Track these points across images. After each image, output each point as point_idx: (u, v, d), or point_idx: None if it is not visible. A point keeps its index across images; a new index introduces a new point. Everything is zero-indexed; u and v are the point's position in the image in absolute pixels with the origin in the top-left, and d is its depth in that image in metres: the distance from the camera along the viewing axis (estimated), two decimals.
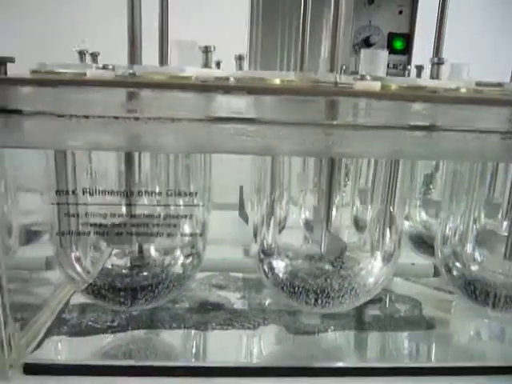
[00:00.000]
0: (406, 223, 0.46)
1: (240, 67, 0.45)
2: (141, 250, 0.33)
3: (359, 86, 0.27)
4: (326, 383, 0.32)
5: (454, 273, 0.36)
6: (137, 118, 0.27)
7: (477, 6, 0.95)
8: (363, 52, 0.38)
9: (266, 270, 0.34)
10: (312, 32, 0.54)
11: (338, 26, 0.34)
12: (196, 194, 0.30)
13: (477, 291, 0.35)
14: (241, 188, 0.58)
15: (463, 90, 0.31)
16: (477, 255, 0.36)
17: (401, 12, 0.61)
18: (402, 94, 0.28)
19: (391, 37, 0.61)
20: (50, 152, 0.31)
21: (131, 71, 0.28)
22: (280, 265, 0.34)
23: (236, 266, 0.43)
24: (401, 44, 0.61)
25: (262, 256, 0.34)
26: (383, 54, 0.37)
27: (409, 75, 0.57)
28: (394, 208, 0.34)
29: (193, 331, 0.36)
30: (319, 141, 0.29)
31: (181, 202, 0.31)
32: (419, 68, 0.44)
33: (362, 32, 0.61)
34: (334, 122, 0.29)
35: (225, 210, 0.54)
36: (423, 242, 0.45)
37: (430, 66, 0.51)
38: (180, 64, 0.35)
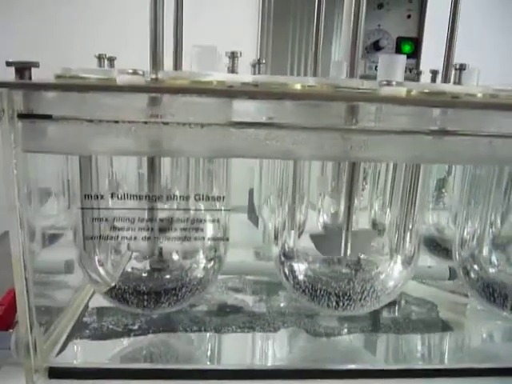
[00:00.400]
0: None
1: (254, 72, 0.45)
2: (162, 254, 0.33)
3: (385, 91, 0.28)
4: None
5: (472, 275, 0.36)
6: (166, 123, 0.27)
7: (477, 7, 0.96)
8: (381, 57, 0.38)
9: (287, 273, 0.34)
10: (326, 35, 0.54)
11: (358, 30, 0.34)
12: (223, 198, 0.30)
13: (495, 294, 0.35)
14: (251, 191, 0.58)
15: (483, 95, 0.31)
16: (494, 258, 0.37)
17: (409, 16, 0.61)
18: (430, 100, 0.28)
19: (400, 41, 0.62)
20: (75, 157, 0.31)
21: (158, 76, 0.28)
22: (301, 268, 0.34)
23: (254, 269, 0.43)
24: (409, 48, 0.62)
25: (282, 259, 0.34)
26: (401, 59, 0.37)
27: (415, 79, 0.57)
28: (415, 211, 0.34)
29: (212, 334, 0.36)
30: (340, 146, 0.30)
31: (203, 206, 0.31)
32: (434, 73, 0.44)
33: (371, 36, 0.61)
34: (360, 127, 0.29)
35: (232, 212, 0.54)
36: (437, 245, 0.45)
37: (440, 71, 0.51)
38: (200, 69, 0.35)
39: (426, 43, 0.63)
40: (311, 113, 0.29)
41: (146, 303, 0.32)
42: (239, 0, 0.68)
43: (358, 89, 0.30)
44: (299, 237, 0.36)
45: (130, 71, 0.26)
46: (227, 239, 0.32)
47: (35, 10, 1.01)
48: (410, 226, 0.34)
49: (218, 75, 0.28)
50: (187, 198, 0.30)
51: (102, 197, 0.30)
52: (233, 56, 0.30)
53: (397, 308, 0.41)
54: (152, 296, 0.32)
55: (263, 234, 0.51)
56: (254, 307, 0.40)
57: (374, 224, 0.37)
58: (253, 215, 0.57)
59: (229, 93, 0.27)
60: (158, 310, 0.33)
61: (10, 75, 0.27)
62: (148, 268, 0.33)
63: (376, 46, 0.61)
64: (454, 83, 0.32)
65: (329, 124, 0.29)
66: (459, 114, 0.29)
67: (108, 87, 0.26)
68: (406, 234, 0.34)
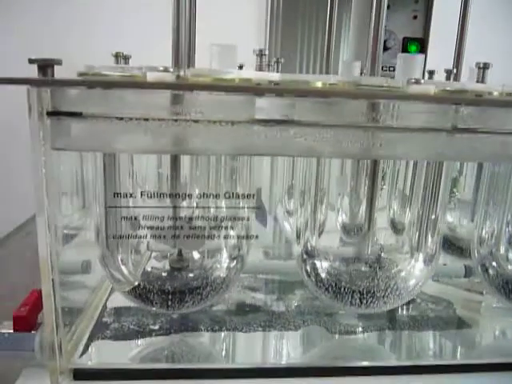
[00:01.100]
0: None
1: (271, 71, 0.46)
2: (182, 254, 0.33)
3: (414, 89, 0.28)
4: (366, 381, 0.32)
5: (491, 272, 0.37)
6: (196, 121, 0.27)
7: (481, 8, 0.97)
8: (399, 56, 0.38)
9: (309, 271, 0.34)
10: (338, 34, 0.54)
11: (379, 28, 0.34)
12: (254, 195, 0.30)
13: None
14: (258, 190, 0.58)
15: (506, 94, 0.31)
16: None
17: (415, 17, 0.62)
18: (459, 98, 0.28)
19: (406, 41, 0.62)
20: (100, 155, 0.30)
21: (181, 74, 0.28)
22: (324, 265, 0.34)
23: (272, 268, 0.43)
24: (415, 48, 0.62)
25: (305, 257, 0.34)
26: (420, 58, 0.37)
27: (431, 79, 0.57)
28: (437, 209, 0.34)
29: (233, 333, 0.36)
30: (363, 143, 0.30)
31: (230, 204, 0.31)
32: (449, 72, 0.45)
33: None
34: (382, 125, 0.29)
35: None
36: (451, 244, 0.46)
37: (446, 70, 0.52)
38: (220, 66, 0.35)
39: (432, 44, 0.64)
40: (333, 111, 0.29)
41: (169, 302, 0.32)
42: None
43: (382, 86, 0.31)
44: (320, 236, 0.36)
45: (161, 68, 0.26)
46: (256, 237, 0.32)
47: (35, 9, 1.00)
48: (433, 224, 0.35)
49: (242, 73, 0.28)
50: (217, 196, 0.30)
51: (130, 195, 0.30)
52: (260, 54, 0.30)
53: (414, 306, 0.41)
54: (175, 295, 0.32)
55: (274, 234, 0.51)
56: (272, 306, 0.39)
57: (393, 223, 0.38)
58: (261, 215, 0.57)
59: (256, 90, 0.27)
60: (180, 309, 0.33)
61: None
62: (169, 267, 0.33)
63: (383, 47, 0.61)
64: (477, 82, 0.32)
65: (351, 122, 0.29)
66: (481, 112, 0.30)
67: (138, 84, 0.26)
68: (428, 231, 0.35)
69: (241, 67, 0.51)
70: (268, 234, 0.52)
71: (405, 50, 0.62)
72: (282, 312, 0.39)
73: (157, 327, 0.35)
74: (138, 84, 0.26)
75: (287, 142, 0.29)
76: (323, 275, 0.34)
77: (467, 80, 0.54)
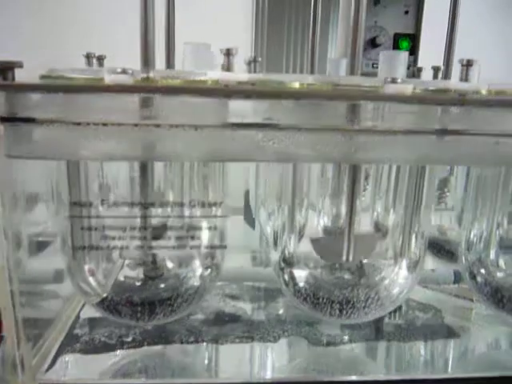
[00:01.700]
0: None
1: (249, 71, 0.44)
2: (156, 262, 0.31)
3: (390, 89, 0.26)
4: None
5: (479, 279, 0.35)
6: (158, 125, 0.25)
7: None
8: (382, 54, 0.37)
9: (287, 280, 0.33)
10: (323, 32, 0.53)
11: (358, 25, 0.32)
12: (220, 203, 0.29)
13: (504, 299, 0.34)
14: (246, 192, 0.57)
15: (492, 92, 0.30)
16: (502, 261, 0.35)
17: (407, 12, 0.60)
18: (437, 98, 0.26)
19: (397, 37, 0.61)
20: (62, 162, 0.29)
21: (150, 76, 0.27)
22: (302, 274, 0.33)
23: (252, 276, 0.41)
24: (407, 44, 0.61)
25: (282, 265, 0.33)
26: (403, 56, 0.36)
27: (415, 76, 0.56)
28: (420, 212, 0.33)
29: (210, 345, 0.34)
30: (342, 147, 0.28)
31: (199, 212, 0.30)
32: (436, 69, 0.43)
33: (368, 32, 0.60)
34: (363, 127, 0.27)
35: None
36: (441, 248, 0.44)
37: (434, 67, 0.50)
38: (194, 67, 0.34)
39: (424, 39, 0.62)
40: (311, 112, 0.28)
41: (139, 314, 0.31)
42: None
43: (360, 86, 0.29)
44: (299, 241, 0.34)
45: (119, 70, 0.25)
46: (225, 247, 0.31)
47: (35, 10, 0.99)
48: (415, 228, 0.33)
49: (213, 74, 0.27)
50: (181, 205, 0.28)
51: (90, 204, 0.28)
52: (228, 53, 0.28)
53: (400, 314, 0.39)
54: (145, 306, 0.31)
55: (260, 238, 0.50)
56: (252, 315, 0.38)
57: (377, 226, 0.36)
58: (249, 217, 0.55)
59: (223, 92, 0.25)
60: (152, 321, 0.31)
61: None
62: (140, 277, 0.31)
63: (373, 43, 0.60)
64: (461, 80, 0.30)
65: (330, 124, 0.28)
66: (466, 113, 0.28)
67: (94, 88, 0.25)
68: (411, 236, 0.33)
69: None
70: (256, 237, 0.51)
71: (396, 46, 0.60)
72: (262, 322, 0.37)
73: (130, 339, 0.34)
74: (95, 88, 0.25)
75: (262, 146, 0.27)
76: (301, 284, 0.33)
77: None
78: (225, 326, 0.36)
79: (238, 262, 0.44)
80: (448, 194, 0.47)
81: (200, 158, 0.30)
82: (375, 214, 0.36)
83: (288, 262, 0.33)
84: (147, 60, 0.30)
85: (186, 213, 0.29)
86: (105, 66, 0.41)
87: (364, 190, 0.36)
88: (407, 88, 0.26)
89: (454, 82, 0.29)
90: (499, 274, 0.35)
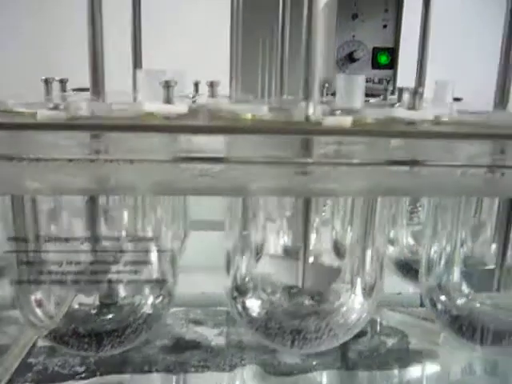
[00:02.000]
0: (391, 248, 0.44)
1: (212, 94, 0.44)
2: (104, 294, 0.31)
3: (329, 122, 0.26)
4: None
5: (439, 307, 0.34)
6: (93, 160, 0.25)
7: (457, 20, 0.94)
8: (338, 77, 0.36)
9: (240, 310, 0.32)
10: (293, 52, 0.52)
11: (312, 49, 0.32)
12: (158, 238, 0.28)
13: (463, 327, 0.33)
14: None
15: (443, 121, 0.29)
16: (464, 287, 0.34)
17: (385, 26, 0.60)
18: (373, 131, 0.26)
19: (376, 51, 0.60)
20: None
21: (88, 108, 0.27)
22: (255, 304, 0.32)
23: (214, 301, 0.41)
24: (386, 59, 0.60)
25: (235, 294, 0.32)
26: (360, 80, 0.35)
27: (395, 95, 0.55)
28: (373, 231, 0.32)
29: (167, 375, 0.34)
30: (291, 180, 0.28)
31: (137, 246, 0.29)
32: (400, 91, 0.42)
33: (346, 47, 0.59)
34: (308, 160, 0.27)
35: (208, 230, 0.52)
36: (410, 269, 0.43)
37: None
38: (148, 95, 0.33)
39: (403, 53, 0.61)
40: (264, 144, 0.27)
41: (86, 346, 0.30)
42: (209, 15, 0.67)
43: (308, 117, 0.28)
44: (254, 265, 0.34)
45: (51, 106, 0.24)
46: (163, 281, 0.30)
47: (35, 9, 0.99)
48: (369, 249, 0.32)
49: (150, 106, 0.26)
50: (118, 239, 0.28)
51: (36, 237, 0.28)
52: (167, 85, 0.28)
53: (365, 339, 0.39)
54: (92, 338, 0.30)
55: None
56: (212, 342, 0.37)
57: (337, 246, 0.35)
58: None
59: (153, 128, 0.25)
60: (101, 352, 0.31)
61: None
62: (88, 307, 0.31)
63: (351, 58, 0.59)
64: (409, 108, 0.30)
65: (282, 156, 0.27)
66: (416, 144, 0.28)
67: (22, 125, 0.24)
68: (365, 258, 0.32)
69: (196, 85, 0.50)
70: None
71: (375, 60, 0.60)
72: (222, 349, 0.37)
73: (83, 369, 0.34)
74: (24, 126, 0.24)
75: (212, 180, 0.27)
76: (254, 314, 0.32)
77: (433, 94, 0.51)
78: (183, 354, 0.36)
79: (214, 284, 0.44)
80: (420, 208, 0.46)
81: (147, 193, 0.30)
82: (334, 232, 0.35)
83: (240, 291, 0.32)
84: (97, 86, 0.30)
85: (129, 246, 0.28)
86: (68, 89, 0.41)
87: (324, 206, 0.35)
88: (346, 120, 0.26)
89: (401, 111, 0.29)
90: (459, 301, 0.34)
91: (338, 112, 0.26)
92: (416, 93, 0.29)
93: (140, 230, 0.31)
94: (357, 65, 0.60)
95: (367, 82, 0.60)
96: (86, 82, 0.31)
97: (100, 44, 0.30)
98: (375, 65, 0.60)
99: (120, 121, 0.25)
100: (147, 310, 0.32)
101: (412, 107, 0.29)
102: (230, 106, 0.31)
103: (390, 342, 0.39)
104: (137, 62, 0.46)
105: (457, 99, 0.52)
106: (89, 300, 0.31)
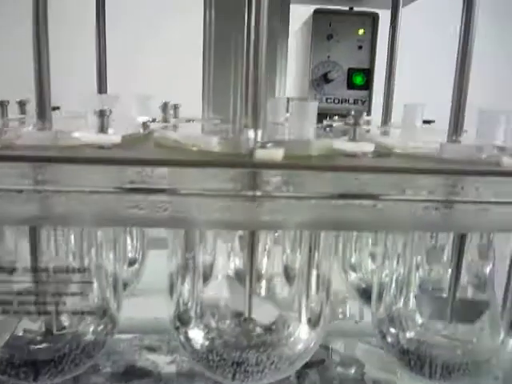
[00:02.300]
0: (354, 275, 0.43)
1: (175, 115, 0.44)
2: (45, 322, 0.31)
3: (260, 154, 0.25)
4: None
5: (389, 339, 0.34)
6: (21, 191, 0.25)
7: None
8: (290, 105, 0.36)
9: (183, 340, 0.32)
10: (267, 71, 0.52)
11: (258, 77, 0.31)
12: (85, 269, 0.28)
13: (412, 360, 0.33)
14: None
15: (384, 154, 0.29)
16: (414, 318, 0.34)
17: (360, 47, 0.59)
18: (301, 166, 0.26)
19: (351, 72, 0.60)
20: None
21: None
22: (198, 335, 0.32)
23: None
24: (361, 79, 0.60)
25: (177, 323, 0.32)
26: (312, 107, 0.35)
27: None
28: (318, 256, 0.32)
29: None
30: (242, 212, 0.27)
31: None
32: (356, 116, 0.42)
33: (321, 67, 0.59)
34: (249, 193, 0.26)
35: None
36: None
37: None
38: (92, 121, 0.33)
39: (379, 74, 0.61)
40: (209, 175, 0.27)
41: (24, 375, 0.30)
42: (180, 45, 0.67)
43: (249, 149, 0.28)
44: (198, 289, 0.33)
45: None
46: (92, 313, 0.30)
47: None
48: (314, 275, 0.32)
49: (84, 135, 0.26)
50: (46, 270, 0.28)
51: None
52: (101, 114, 0.27)
53: (319, 370, 0.38)
54: (30, 368, 0.30)
55: None
56: (163, 369, 0.37)
57: (286, 270, 0.35)
58: None
59: (83, 160, 0.25)
60: (40, 382, 0.31)
61: None
62: (26, 337, 0.31)
63: (325, 79, 0.59)
64: (350, 140, 0.29)
65: (227, 188, 0.27)
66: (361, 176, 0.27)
67: None
68: (311, 283, 0.32)
69: (175, 107, 0.49)
70: None
71: (350, 81, 0.60)
72: (171, 377, 0.36)
73: None
74: None
75: (156, 212, 0.26)
76: (197, 346, 0.32)
77: (402, 117, 0.51)
78: (131, 383, 0.35)
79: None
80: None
81: (92, 224, 0.29)
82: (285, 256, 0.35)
83: (183, 320, 0.32)
84: (43, 112, 0.30)
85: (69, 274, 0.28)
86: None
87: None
88: (277, 154, 0.25)
89: (341, 143, 0.28)
90: (408, 334, 0.33)
91: (269, 145, 0.26)
92: (356, 123, 0.28)
93: (81, 256, 0.31)
94: (332, 85, 0.60)
95: (342, 102, 0.60)
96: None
97: (46, 68, 0.29)
98: (350, 85, 0.60)
99: (48, 151, 0.25)
100: (88, 337, 0.31)
101: (352, 138, 0.28)
102: (175, 135, 0.30)
103: (346, 371, 0.38)
104: (101, 87, 0.46)
105: (427, 122, 0.52)
106: (29, 328, 0.31)
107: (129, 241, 0.41)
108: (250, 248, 0.31)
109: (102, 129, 0.27)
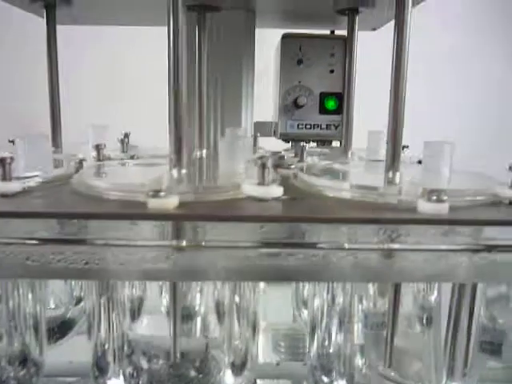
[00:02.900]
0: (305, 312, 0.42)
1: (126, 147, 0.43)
2: None
3: (153, 204, 0.24)
4: None
5: None
6: None
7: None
8: (220, 141, 0.35)
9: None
10: (211, 105, 0.52)
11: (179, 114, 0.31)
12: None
13: None
14: None
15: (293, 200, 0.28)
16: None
17: (332, 71, 0.58)
18: (194, 215, 0.25)
19: (323, 96, 0.58)
20: None
21: None
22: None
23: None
24: (333, 104, 0.59)
25: (96, 372, 0.31)
26: (241, 144, 0.34)
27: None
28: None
29: None
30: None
31: None
32: (301, 150, 0.41)
33: (292, 93, 0.58)
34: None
35: None
36: None
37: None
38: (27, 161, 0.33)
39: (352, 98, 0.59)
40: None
41: None
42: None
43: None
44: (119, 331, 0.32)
45: None
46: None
47: None
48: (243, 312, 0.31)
49: None
50: None
51: None
52: (2, 164, 0.27)
53: None
54: None
55: None
56: None
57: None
58: None
59: None
60: None
61: None
62: None
63: (296, 104, 0.58)
64: (258, 184, 0.28)
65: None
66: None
67: None
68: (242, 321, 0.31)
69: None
70: None
71: (322, 105, 0.58)
72: None
73: None
74: None
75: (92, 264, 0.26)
76: None
77: (367, 143, 0.50)
78: None
79: None
80: None
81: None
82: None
83: (100, 368, 0.31)
84: None
85: None
86: None
87: None
88: (169, 203, 0.24)
89: (248, 187, 0.27)
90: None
91: (163, 194, 0.25)
92: (264, 166, 0.27)
93: None
94: (303, 110, 0.58)
95: (314, 128, 0.59)
96: None
97: None
98: (322, 110, 0.59)
99: None
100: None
101: (261, 183, 0.27)
102: (95, 181, 0.30)
103: None
104: (55, 125, 0.46)
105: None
106: None
107: None
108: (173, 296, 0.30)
109: (5, 176, 0.27)
